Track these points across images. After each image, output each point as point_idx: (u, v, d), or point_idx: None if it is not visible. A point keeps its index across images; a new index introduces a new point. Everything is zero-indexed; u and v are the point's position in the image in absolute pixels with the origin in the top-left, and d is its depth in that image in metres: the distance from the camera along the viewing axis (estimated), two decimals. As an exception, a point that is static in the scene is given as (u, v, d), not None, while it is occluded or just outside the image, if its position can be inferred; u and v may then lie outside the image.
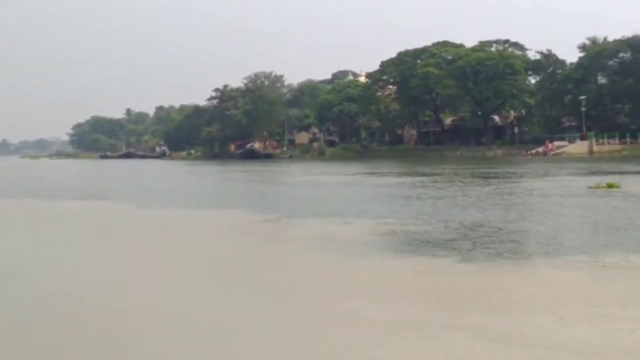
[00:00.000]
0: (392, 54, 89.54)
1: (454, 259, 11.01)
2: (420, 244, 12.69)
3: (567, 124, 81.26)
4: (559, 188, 23.88)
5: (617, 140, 69.32)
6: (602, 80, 76.59)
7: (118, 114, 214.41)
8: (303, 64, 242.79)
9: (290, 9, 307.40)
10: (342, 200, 22.55)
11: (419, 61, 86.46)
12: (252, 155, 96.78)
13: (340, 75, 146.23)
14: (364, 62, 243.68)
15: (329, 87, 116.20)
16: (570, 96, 76.03)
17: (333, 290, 9.06)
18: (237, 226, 15.95)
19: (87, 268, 11.40)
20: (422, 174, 34.46)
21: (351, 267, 10.71)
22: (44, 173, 59.48)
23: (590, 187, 23.17)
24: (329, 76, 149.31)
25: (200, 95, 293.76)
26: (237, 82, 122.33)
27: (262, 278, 10.23)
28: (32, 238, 15.04)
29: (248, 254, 12.51)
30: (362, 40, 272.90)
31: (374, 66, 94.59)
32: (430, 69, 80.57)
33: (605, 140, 69.39)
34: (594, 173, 31.77)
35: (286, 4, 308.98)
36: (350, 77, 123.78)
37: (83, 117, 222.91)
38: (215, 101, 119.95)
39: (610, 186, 23.33)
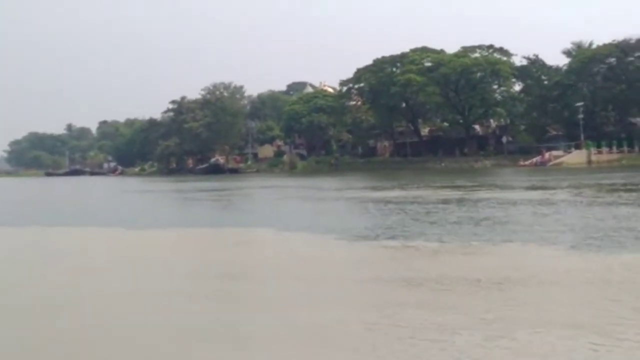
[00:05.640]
0: (350, 64, 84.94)
1: None
2: None
3: (553, 132, 77.86)
4: None
5: (614, 149, 66.18)
6: (589, 86, 73.13)
7: (57, 129, 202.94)
8: (252, 75, 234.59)
9: (239, 17, 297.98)
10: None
11: (394, 69, 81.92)
12: (216, 170, 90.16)
13: (296, 86, 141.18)
14: (319, 74, 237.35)
15: (294, 97, 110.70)
16: (559, 103, 72.46)
17: None
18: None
19: None
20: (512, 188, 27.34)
21: None
22: (19, 193, 50.01)
23: None
24: (283, 87, 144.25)
25: (145, 109, 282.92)
26: (182, 94, 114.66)
27: None
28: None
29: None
30: (315, 52, 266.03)
31: (330, 77, 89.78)
32: (412, 75, 75.78)
33: (603, 149, 66.08)
34: None
35: (235, 12, 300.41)
36: (309, 89, 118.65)
37: (19, 133, 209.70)
38: (171, 114, 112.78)
39: None
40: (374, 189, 30.89)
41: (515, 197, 22.01)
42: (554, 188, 25.82)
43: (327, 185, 37.77)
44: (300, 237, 13.53)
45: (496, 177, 41.66)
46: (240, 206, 25.08)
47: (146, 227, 17.30)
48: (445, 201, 21.06)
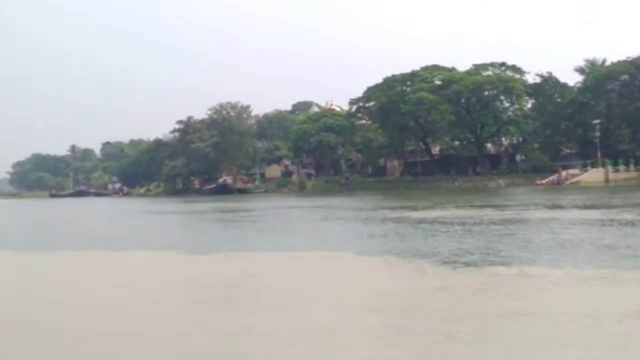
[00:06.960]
0: (357, 84, 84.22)
1: None
2: None
3: (567, 150, 77.12)
4: None
5: (632, 168, 65.36)
6: (603, 103, 72.30)
7: (60, 150, 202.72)
8: (257, 94, 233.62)
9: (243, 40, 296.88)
10: None
11: (405, 88, 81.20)
12: (224, 191, 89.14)
13: (301, 106, 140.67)
14: (325, 93, 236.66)
15: (301, 116, 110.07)
16: (572, 121, 71.75)
17: None
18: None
19: None
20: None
21: None
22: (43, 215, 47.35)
23: None
24: (288, 107, 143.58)
25: (149, 130, 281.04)
26: (187, 114, 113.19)
27: None
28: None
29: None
30: (319, 71, 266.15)
31: (336, 97, 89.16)
32: (424, 94, 75.05)
33: (620, 167, 65.28)
34: None
35: (237, 35, 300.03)
36: (315, 108, 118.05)
37: (22, 155, 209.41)
38: (177, 134, 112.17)
39: None
40: (411, 208, 29.40)
41: (578, 216, 20.63)
42: (607, 207, 24.61)
43: (354, 205, 36.47)
44: (395, 264, 11.79)
45: (524, 195, 40.53)
46: (285, 228, 23.39)
47: (207, 252, 14.97)
48: (506, 222, 19.65)
